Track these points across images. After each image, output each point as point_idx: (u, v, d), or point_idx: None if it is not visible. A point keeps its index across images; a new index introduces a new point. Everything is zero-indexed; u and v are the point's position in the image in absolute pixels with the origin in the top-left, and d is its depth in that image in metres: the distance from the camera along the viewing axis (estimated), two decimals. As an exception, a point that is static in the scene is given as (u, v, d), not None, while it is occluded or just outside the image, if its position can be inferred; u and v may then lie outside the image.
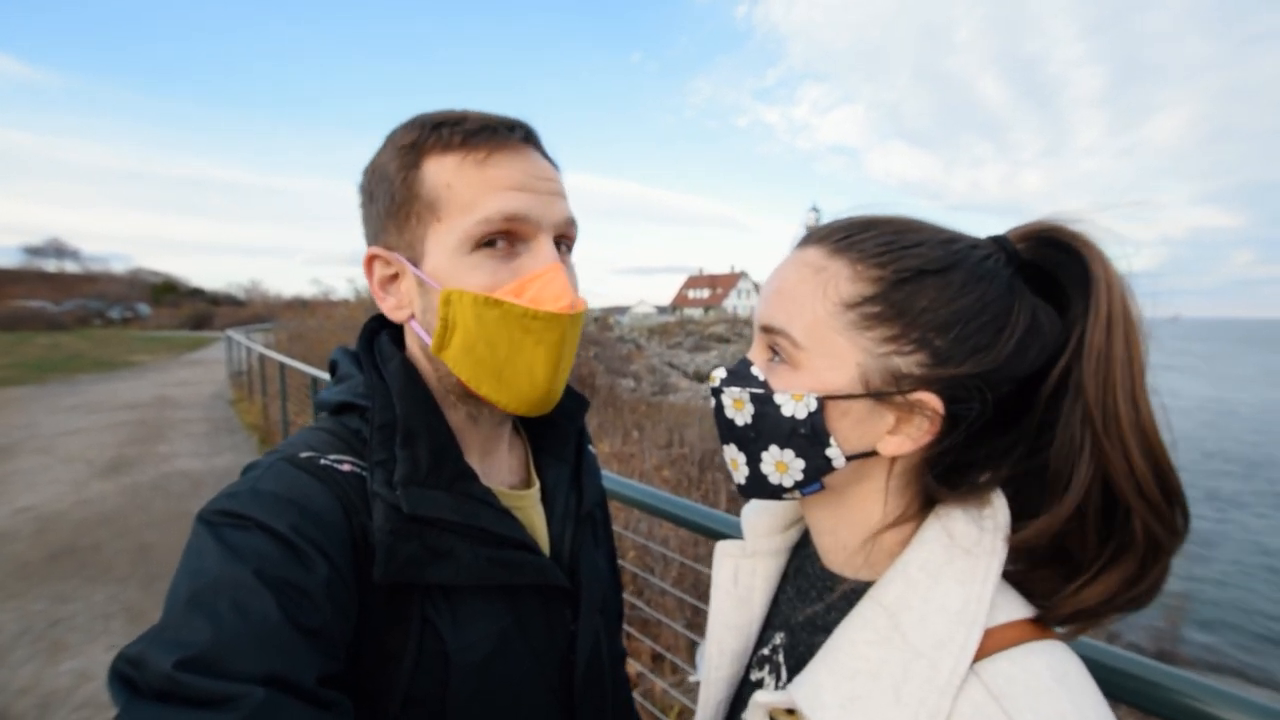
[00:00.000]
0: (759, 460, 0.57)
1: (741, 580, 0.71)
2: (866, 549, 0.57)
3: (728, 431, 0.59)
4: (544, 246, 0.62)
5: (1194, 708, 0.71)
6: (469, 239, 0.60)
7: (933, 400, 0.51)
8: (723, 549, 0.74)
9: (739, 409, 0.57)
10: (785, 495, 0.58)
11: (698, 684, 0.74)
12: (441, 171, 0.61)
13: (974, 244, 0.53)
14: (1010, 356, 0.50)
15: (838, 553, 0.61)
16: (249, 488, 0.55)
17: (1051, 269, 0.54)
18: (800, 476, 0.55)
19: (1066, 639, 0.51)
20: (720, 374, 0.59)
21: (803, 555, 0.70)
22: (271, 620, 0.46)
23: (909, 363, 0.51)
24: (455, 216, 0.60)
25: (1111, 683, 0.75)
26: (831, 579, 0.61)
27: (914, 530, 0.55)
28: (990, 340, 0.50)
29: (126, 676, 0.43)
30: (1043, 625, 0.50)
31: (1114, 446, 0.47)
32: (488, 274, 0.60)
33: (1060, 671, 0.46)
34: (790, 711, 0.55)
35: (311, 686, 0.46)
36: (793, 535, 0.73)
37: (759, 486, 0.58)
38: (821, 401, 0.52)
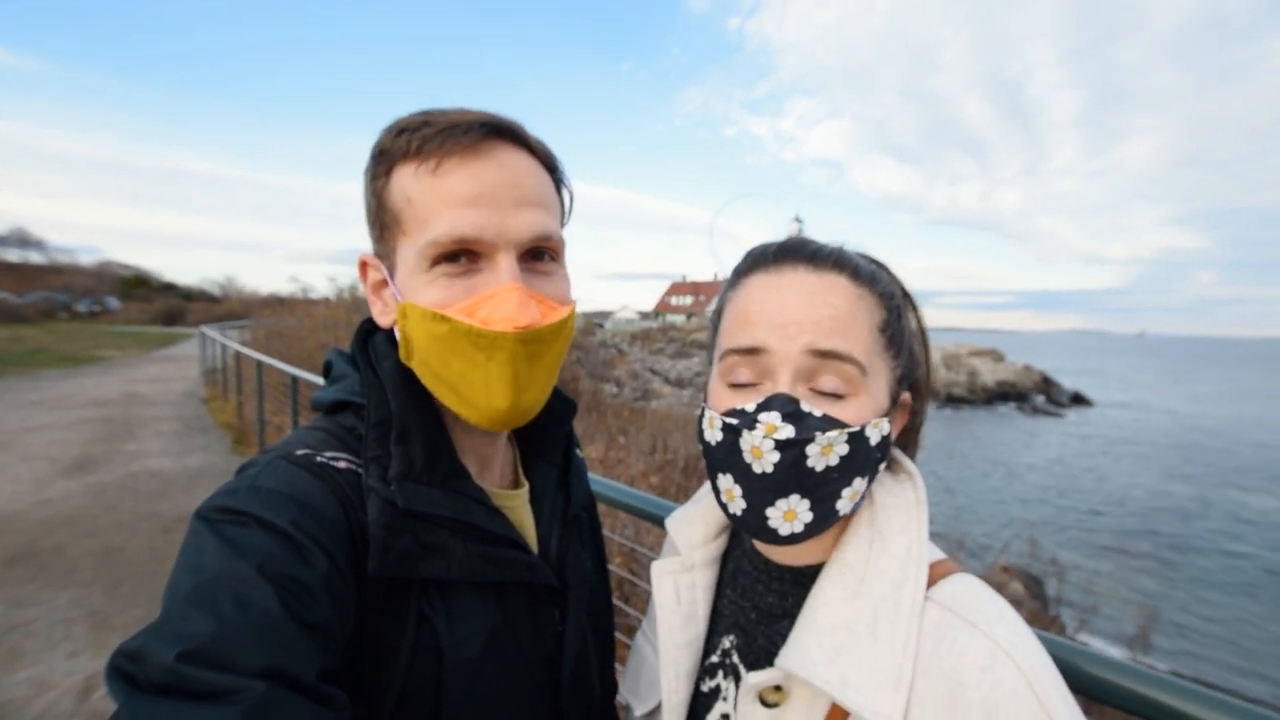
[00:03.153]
0: (836, 498, 0.57)
1: (684, 596, 0.71)
2: (831, 533, 0.63)
3: (797, 481, 0.55)
4: (501, 265, 0.60)
5: (1175, 709, 0.72)
6: (424, 257, 0.59)
7: (908, 397, 0.66)
8: (661, 568, 0.73)
9: (827, 454, 0.55)
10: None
11: (649, 712, 0.73)
12: (402, 183, 0.60)
13: None
14: (926, 357, 0.68)
15: (804, 547, 0.64)
16: (247, 485, 0.55)
17: None
18: (860, 498, 0.60)
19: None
20: (778, 422, 0.54)
21: (735, 557, 0.72)
22: (273, 615, 0.46)
23: (901, 373, 0.63)
24: (414, 233, 0.60)
25: (1095, 684, 0.77)
26: (785, 571, 0.66)
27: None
28: (917, 346, 0.67)
29: (126, 672, 0.43)
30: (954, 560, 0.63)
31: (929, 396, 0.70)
32: (441, 290, 0.60)
33: (986, 587, 0.58)
34: (778, 688, 0.59)
35: (312, 681, 0.46)
36: (723, 541, 0.75)
37: (823, 523, 0.57)
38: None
